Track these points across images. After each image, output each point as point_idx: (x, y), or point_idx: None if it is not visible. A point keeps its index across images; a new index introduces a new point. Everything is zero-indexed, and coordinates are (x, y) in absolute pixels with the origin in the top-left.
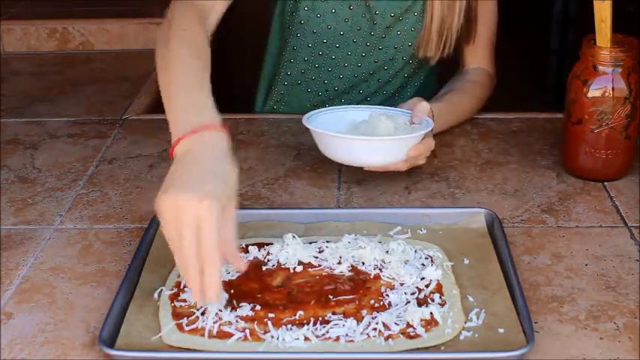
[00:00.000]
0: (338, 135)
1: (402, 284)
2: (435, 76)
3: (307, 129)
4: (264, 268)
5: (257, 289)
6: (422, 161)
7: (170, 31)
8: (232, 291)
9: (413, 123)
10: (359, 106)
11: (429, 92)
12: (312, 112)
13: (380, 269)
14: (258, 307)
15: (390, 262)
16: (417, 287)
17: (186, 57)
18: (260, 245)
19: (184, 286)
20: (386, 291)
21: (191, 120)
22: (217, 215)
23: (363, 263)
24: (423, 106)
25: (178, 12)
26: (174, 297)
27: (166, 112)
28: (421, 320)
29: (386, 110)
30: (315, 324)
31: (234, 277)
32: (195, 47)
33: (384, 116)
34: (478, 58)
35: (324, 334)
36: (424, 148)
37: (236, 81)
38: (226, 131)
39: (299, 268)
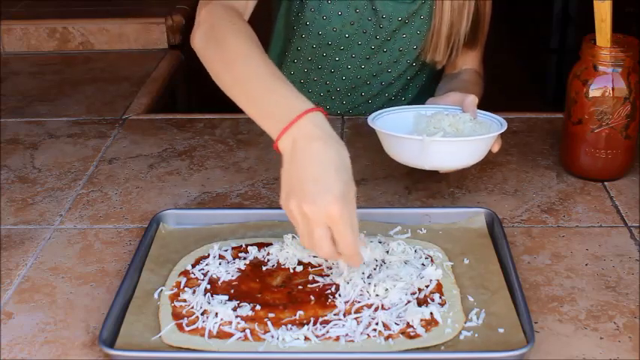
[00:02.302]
0: (441, 140)
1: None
2: (436, 78)
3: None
4: (264, 268)
5: (257, 289)
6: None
7: (217, 29)
8: (232, 291)
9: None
10: (413, 106)
11: (429, 94)
12: (376, 114)
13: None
14: (258, 307)
15: (390, 262)
16: (417, 287)
17: (250, 50)
18: (260, 245)
19: (184, 286)
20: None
21: (287, 109)
22: (348, 213)
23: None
24: (472, 99)
25: (216, 13)
26: (174, 297)
27: (249, 109)
28: (421, 320)
29: (430, 109)
30: (315, 324)
31: (234, 278)
32: (252, 38)
33: (450, 116)
34: (471, 60)
35: (324, 334)
36: (500, 142)
37: None
38: (322, 111)
39: (299, 268)
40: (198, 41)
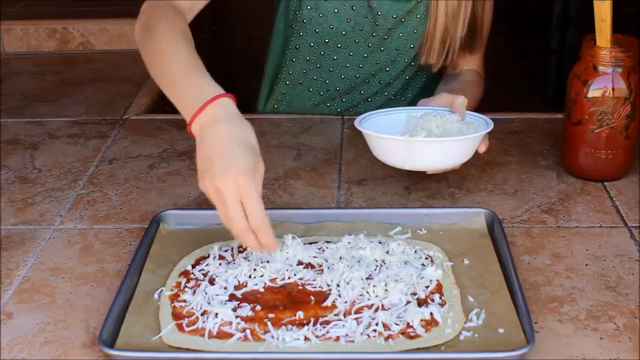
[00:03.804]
0: (423, 140)
1: None
2: (437, 79)
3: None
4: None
5: (257, 289)
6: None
7: (152, 22)
8: (232, 291)
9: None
10: (403, 108)
11: (430, 94)
12: (365, 115)
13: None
14: (258, 308)
15: (390, 262)
16: (417, 288)
17: (177, 43)
18: None
19: (184, 287)
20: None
21: (198, 97)
22: (255, 186)
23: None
24: (462, 101)
25: (155, 8)
26: (174, 297)
27: (171, 97)
28: (421, 320)
29: (420, 110)
30: (315, 324)
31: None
32: (182, 33)
33: (438, 117)
34: (472, 60)
35: (324, 334)
36: (487, 142)
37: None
38: (231, 96)
39: (299, 269)
40: (136, 33)
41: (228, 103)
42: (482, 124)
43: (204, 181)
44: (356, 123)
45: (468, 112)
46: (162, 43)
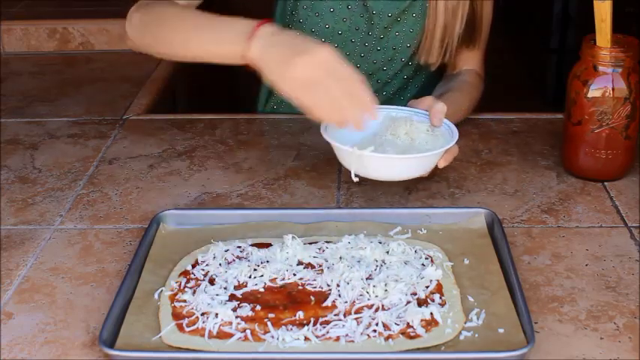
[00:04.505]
0: (370, 154)
1: None
2: (436, 79)
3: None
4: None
5: (257, 289)
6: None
7: (151, 8)
8: (232, 291)
9: (434, 126)
10: (384, 106)
11: (429, 94)
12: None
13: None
14: (258, 308)
15: (390, 262)
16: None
17: (182, 8)
18: (260, 246)
19: (184, 287)
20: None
21: (242, 27)
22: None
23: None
24: (441, 107)
25: (151, 4)
26: (174, 297)
27: (205, 47)
28: (421, 320)
29: (401, 111)
30: (315, 324)
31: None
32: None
33: (408, 124)
34: (471, 61)
35: (324, 335)
36: (451, 157)
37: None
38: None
39: (299, 269)
40: (132, 27)
41: (275, 26)
42: (448, 139)
43: (296, 69)
44: (323, 132)
45: (447, 121)
46: (171, 9)
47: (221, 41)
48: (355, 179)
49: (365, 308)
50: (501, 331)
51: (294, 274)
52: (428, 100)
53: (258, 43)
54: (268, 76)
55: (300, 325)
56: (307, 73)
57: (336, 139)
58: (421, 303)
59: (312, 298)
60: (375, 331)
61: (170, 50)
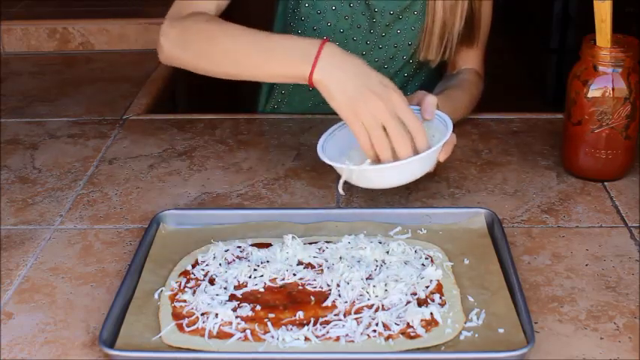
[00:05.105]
0: (372, 167)
1: None
2: (437, 77)
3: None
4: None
5: (257, 289)
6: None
7: (188, 23)
8: (232, 291)
9: (426, 120)
10: None
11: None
12: (322, 139)
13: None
14: (258, 308)
15: (390, 262)
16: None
17: (229, 25)
18: (260, 246)
19: (184, 287)
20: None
21: (306, 46)
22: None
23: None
24: (431, 99)
25: (184, 19)
26: (174, 297)
27: (263, 67)
28: (421, 320)
29: None
30: (315, 324)
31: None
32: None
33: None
34: (471, 60)
35: (324, 335)
36: (451, 147)
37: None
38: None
39: (299, 269)
40: (171, 45)
41: (334, 45)
42: (443, 131)
43: (358, 108)
44: (319, 145)
45: (439, 112)
46: (215, 26)
47: (282, 68)
48: (342, 192)
49: (365, 308)
50: (501, 331)
51: (294, 274)
52: (418, 95)
53: (318, 72)
54: (329, 102)
55: (300, 325)
56: (373, 114)
57: (333, 149)
58: (421, 303)
59: (312, 298)
60: (375, 331)
61: (217, 68)
